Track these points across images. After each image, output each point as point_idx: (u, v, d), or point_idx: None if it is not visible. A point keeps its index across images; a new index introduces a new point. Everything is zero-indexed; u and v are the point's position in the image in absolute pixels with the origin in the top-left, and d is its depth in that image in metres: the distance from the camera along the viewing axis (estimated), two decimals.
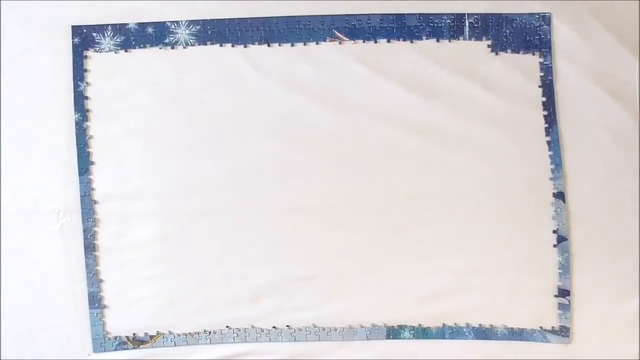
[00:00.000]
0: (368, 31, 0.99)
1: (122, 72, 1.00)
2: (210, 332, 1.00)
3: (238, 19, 0.99)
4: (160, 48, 1.00)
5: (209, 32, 0.99)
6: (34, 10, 1.00)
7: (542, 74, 0.98)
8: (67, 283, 1.00)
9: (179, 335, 1.00)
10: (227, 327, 1.00)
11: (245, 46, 0.99)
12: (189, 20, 0.99)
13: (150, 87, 1.00)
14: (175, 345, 1.00)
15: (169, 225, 0.99)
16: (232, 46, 1.00)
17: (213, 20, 0.99)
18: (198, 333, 1.00)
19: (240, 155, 0.99)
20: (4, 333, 1.00)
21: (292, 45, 0.99)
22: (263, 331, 1.00)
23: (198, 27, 0.99)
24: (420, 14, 0.99)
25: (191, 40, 0.99)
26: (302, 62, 0.99)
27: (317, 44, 0.99)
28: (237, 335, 1.00)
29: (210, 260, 0.99)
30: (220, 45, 1.00)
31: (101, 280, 0.99)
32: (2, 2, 1.00)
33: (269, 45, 0.99)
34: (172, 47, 1.00)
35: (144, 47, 1.00)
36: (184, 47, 1.00)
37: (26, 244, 1.00)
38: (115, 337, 1.00)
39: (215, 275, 0.99)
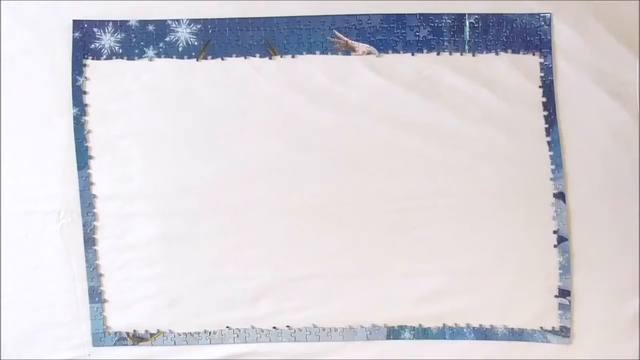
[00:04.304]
0: (368, 31, 0.99)
1: (122, 72, 1.00)
2: (210, 333, 1.00)
3: (239, 18, 0.99)
4: (161, 48, 1.00)
5: (210, 31, 0.99)
6: (34, 9, 1.00)
7: (542, 74, 0.98)
8: (67, 283, 1.00)
9: (179, 334, 1.00)
10: (227, 327, 1.00)
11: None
12: (190, 19, 0.99)
13: (151, 86, 1.00)
14: (175, 344, 1.00)
15: (169, 225, 0.99)
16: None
17: (214, 19, 0.99)
18: (198, 333, 1.00)
19: (240, 156, 0.99)
20: (4, 333, 1.00)
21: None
22: (263, 331, 0.99)
23: (199, 26, 0.99)
24: (420, 14, 0.99)
25: (191, 39, 1.00)
26: (302, 63, 1.00)
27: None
28: (237, 336, 1.00)
29: (210, 260, 0.99)
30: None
31: (101, 275, 1.00)
32: (2, 2, 1.00)
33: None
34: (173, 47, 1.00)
35: (145, 47, 1.00)
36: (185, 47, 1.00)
37: (26, 244, 1.00)
38: (115, 333, 1.00)
39: (215, 275, 0.99)
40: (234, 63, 1.00)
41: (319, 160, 0.99)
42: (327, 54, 0.99)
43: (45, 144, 1.00)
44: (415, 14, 0.99)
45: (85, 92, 0.99)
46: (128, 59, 1.00)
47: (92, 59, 0.99)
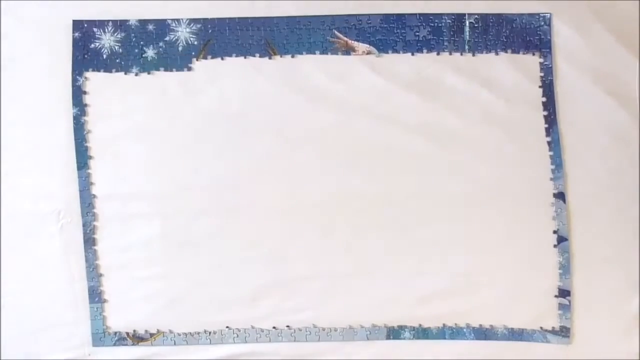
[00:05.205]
0: (368, 31, 0.99)
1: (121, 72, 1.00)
2: (210, 333, 1.00)
3: (239, 18, 0.99)
4: (161, 48, 1.00)
5: (209, 30, 0.99)
6: (34, 9, 1.00)
7: (542, 74, 0.98)
8: (66, 283, 1.00)
9: (179, 334, 0.99)
10: (227, 327, 1.00)
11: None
12: (190, 19, 0.99)
13: (150, 86, 1.00)
14: (175, 344, 0.99)
15: (169, 225, 0.99)
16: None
17: (214, 19, 0.99)
18: (198, 333, 1.00)
19: (240, 155, 0.99)
20: (4, 333, 1.00)
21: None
22: (263, 331, 0.99)
23: (199, 26, 0.99)
24: (420, 14, 0.99)
25: (191, 39, 1.00)
26: (302, 63, 1.00)
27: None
28: (237, 336, 0.99)
29: (210, 260, 0.99)
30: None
31: (101, 275, 0.99)
32: (2, 2, 1.00)
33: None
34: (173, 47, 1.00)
35: (144, 46, 1.00)
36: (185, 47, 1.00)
37: (26, 244, 1.00)
38: (115, 333, 1.00)
39: (215, 275, 0.99)
40: (234, 63, 1.00)
41: (319, 160, 0.99)
42: (327, 54, 0.99)
43: (45, 144, 1.00)
44: (415, 14, 0.99)
45: (85, 92, 0.99)
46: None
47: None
